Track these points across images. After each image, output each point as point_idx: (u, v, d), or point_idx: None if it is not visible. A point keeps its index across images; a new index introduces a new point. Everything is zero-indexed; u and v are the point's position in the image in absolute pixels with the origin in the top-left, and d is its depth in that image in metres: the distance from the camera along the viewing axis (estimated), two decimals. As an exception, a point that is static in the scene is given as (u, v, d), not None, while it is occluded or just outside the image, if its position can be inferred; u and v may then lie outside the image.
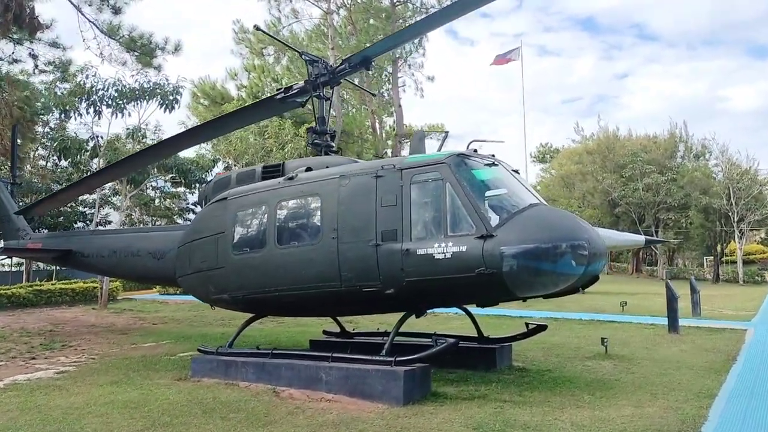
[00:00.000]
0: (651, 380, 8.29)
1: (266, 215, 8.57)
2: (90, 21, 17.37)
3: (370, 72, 35.44)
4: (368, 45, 13.83)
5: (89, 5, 17.23)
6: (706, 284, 38.86)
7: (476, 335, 9.63)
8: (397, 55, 37.34)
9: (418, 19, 32.26)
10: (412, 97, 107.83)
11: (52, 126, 26.42)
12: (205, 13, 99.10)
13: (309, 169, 8.74)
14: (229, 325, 15.11)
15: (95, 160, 23.07)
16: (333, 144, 10.02)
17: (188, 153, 28.58)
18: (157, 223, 33.09)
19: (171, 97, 19.69)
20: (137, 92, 19.45)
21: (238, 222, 8.93)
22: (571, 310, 17.93)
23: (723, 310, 19.62)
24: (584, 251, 6.78)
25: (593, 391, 7.59)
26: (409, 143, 33.79)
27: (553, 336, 12.51)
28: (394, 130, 41.27)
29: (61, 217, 27.33)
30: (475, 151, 7.90)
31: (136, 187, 22.60)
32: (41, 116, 23.51)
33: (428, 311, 9.42)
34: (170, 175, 26.16)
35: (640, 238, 12.28)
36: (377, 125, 41.33)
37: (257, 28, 10.84)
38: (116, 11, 17.53)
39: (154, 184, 30.50)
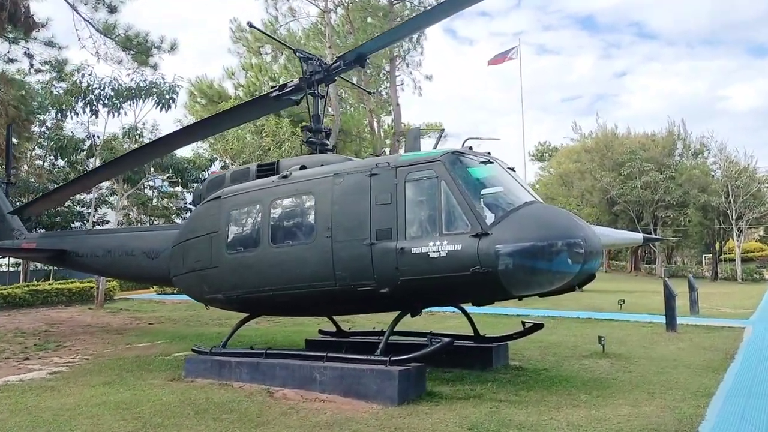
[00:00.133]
0: (648, 379, 8.24)
1: (260, 214, 8.50)
2: (86, 20, 17.35)
3: (367, 71, 35.65)
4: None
5: (85, 4, 17.22)
6: (705, 282, 38.87)
7: (472, 334, 9.57)
8: (395, 54, 37.22)
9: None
10: (411, 96, 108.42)
11: (49, 125, 26.39)
12: (202, 12, 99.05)
13: (303, 167, 8.68)
14: (226, 324, 15.04)
15: (92, 160, 23.00)
16: (328, 142, 9.95)
17: (185, 152, 28.60)
18: (155, 222, 33.05)
19: (167, 96, 19.61)
20: (133, 91, 19.39)
21: (232, 221, 8.86)
22: (568, 308, 17.86)
23: (721, 308, 19.58)
24: (580, 249, 6.73)
25: (590, 390, 7.54)
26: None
27: (550, 335, 12.45)
28: (392, 128, 41.17)
29: (58, 217, 27.29)
30: (471, 148, 7.85)
31: (132, 186, 22.52)
32: (38, 115, 23.47)
33: (424, 310, 9.36)
34: (167, 175, 26.10)
35: (638, 236, 12.22)
36: (375, 124, 41.23)
37: (250, 25, 10.81)
38: (112, 10, 17.50)
39: (151, 183, 30.45)
